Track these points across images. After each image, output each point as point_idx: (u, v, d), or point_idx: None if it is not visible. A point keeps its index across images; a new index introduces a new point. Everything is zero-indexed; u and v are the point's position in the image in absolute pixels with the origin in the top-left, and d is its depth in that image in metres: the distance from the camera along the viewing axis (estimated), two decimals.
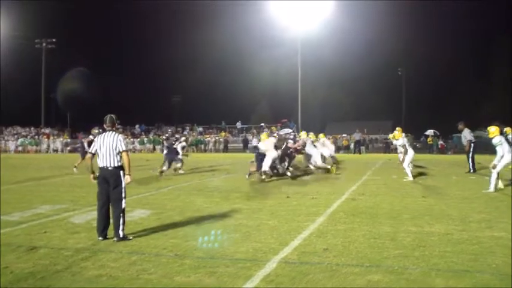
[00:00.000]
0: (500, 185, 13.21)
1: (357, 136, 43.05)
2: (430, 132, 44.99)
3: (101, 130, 11.45)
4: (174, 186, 14.53)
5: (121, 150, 7.20)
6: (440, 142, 44.60)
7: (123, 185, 7.23)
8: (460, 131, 19.99)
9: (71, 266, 5.78)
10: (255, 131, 55.18)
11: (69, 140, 53.42)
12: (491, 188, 12.67)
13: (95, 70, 64.07)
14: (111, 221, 7.18)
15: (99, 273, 5.51)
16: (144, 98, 67.41)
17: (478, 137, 49.30)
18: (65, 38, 62.06)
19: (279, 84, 60.56)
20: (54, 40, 61.08)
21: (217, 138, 51.41)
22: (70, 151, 49.60)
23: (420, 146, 48.49)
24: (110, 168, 7.17)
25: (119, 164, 7.22)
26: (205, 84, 67.85)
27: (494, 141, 13.13)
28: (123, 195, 7.20)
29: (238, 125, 58.74)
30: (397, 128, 17.59)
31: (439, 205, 10.38)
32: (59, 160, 33.14)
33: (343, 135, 47.76)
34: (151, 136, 53.55)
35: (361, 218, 8.74)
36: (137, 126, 58.46)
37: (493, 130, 13.31)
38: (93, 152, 7.39)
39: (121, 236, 7.04)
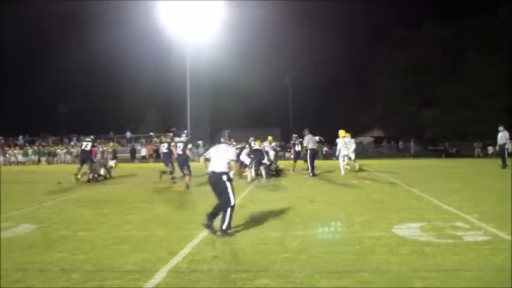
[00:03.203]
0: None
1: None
2: (315, 138, 46.45)
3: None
4: (60, 199, 13.99)
5: (230, 159, 8.32)
6: (325, 149, 46.26)
7: (229, 186, 8.15)
8: (303, 136, 21.87)
9: None
10: (143, 140, 54.54)
11: None
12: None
13: None
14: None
15: None
16: (27, 107, 64.19)
17: (360, 142, 51.82)
18: None
19: (168, 93, 60.09)
20: None
21: (105, 148, 50.15)
22: None
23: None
24: (217, 172, 8.25)
25: (225, 170, 8.25)
26: (92, 94, 65.78)
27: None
28: (230, 195, 8.13)
29: (128, 134, 57.74)
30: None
31: (325, 209, 10.77)
32: None
33: (233, 142, 48.15)
34: (35, 147, 51.35)
35: (250, 224, 8.87)
36: (20, 137, 55.86)
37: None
38: (207, 156, 8.76)
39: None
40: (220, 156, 8.35)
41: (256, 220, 9.36)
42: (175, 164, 18.44)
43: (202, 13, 51.16)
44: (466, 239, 7.35)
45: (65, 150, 49.74)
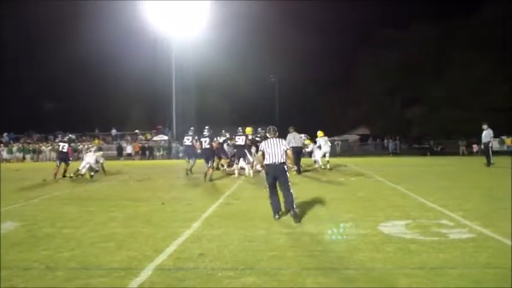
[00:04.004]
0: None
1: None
2: (301, 136, 46.55)
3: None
4: (45, 196, 13.90)
5: (285, 149, 9.41)
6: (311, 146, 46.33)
7: (288, 175, 9.35)
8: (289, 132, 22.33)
9: None
10: (129, 137, 54.33)
11: None
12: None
13: None
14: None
15: None
16: (12, 105, 63.38)
17: (346, 140, 52.16)
18: None
19: (154, 90, 59.78)
20: None
21: (90, 145, 49.89)
22: None
23: None
24: (277, 164, 9.26)
25: (284, 160, 9.31)
26: (78, 91, 65.25)
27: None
28: (290, 183, 9.29)
29: (113, 132, 57.48)
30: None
31: (311, 206, 10.77)
32: None
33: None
34: (20, 144, 50.94)
35: (236, 222, 8.88)
36: (5, 134, 55.39)
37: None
38: (262, 150, 9.61)
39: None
40: (276, 149, 9.35)
41: (242, 218, 9.37)
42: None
43: (188, 10, 51.00)
44: (451, 236, 7.39)
45: (50, 148, 49.40)
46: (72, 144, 22.53)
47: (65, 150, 21.29)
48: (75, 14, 61.56)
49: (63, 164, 21.01)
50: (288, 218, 9.12)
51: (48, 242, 7.43)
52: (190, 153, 21.23)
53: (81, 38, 58.28)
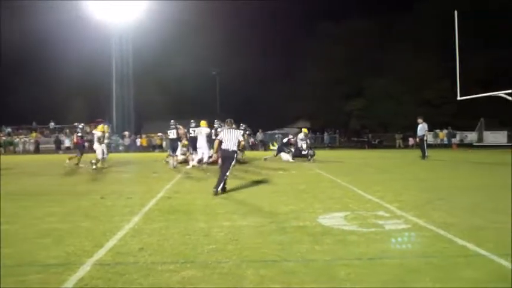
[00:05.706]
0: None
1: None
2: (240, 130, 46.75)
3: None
4: None
5: (239, 140, 12.00)
6: (252, 139, 46.61)
7: (233, 162, 11.99)
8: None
9: None
10: (68, 131, 53.12)
11: None
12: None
13: None
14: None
15: None
16: None
17: (286, 133, 52.78)
18: None
19: (93, 83, 58.65)
20: None
21: (27, 139, 48.53)
22: None
23: None
24: (229, 150, 11.86)
25: (235, 148, 11.91)
26: (15, 83, 63.16)
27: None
28: (230, 168, 11.98)
29: (52, 125, 56.08)
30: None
31: (251, 199, 10.83)
32: None
33: (159, 134, 48.08)
34: None
35: (176, 216, 8.82)
36: None
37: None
38: (219, 139, 12.10)
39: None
40: (230, 138, 11.88)
41: (182, 211, 9.32)
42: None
43: (128, 2, 50.38)
44: (387, 227, 7.60)
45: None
46: (79, 135, 22.98)
47: (74, 140, 22.67)
48: (11, 4, 59.58)
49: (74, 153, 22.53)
50: (228, 212, 9.16)
51: None
52: (176, 146, 21.11)
53: (17, 27, 56.49)
